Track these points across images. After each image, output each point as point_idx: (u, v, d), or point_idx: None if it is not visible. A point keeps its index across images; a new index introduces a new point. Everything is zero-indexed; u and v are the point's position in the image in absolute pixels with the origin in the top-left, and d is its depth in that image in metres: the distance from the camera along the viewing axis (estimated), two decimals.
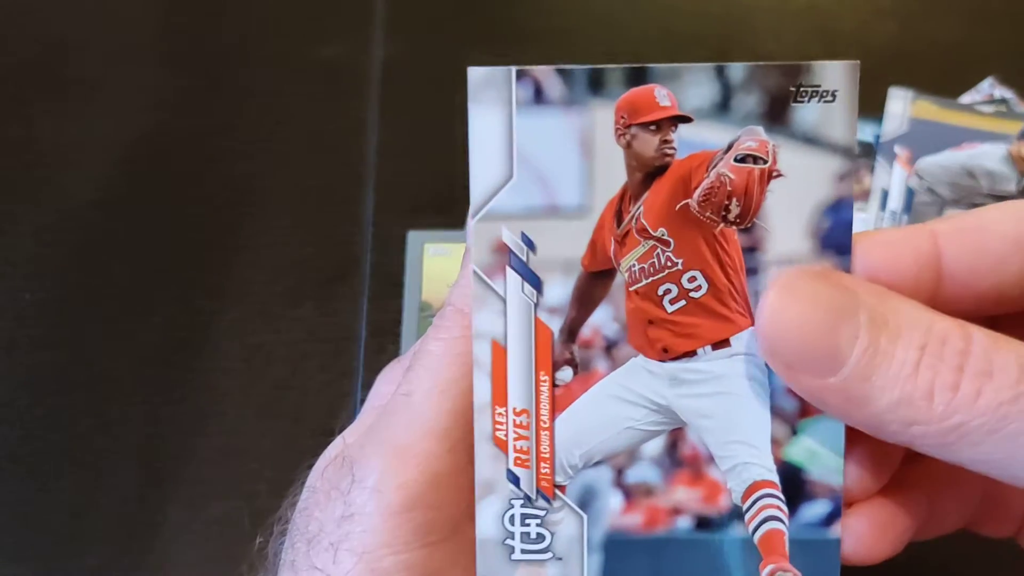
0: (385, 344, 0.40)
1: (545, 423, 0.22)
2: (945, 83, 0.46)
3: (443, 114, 0.47)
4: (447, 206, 0.43)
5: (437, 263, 0.42)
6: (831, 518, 0.22)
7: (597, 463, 0.23)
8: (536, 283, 0.22)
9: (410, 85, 0.48)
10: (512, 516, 0.23)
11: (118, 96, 0.48)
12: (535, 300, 0.22)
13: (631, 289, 0.22)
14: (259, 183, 0.45)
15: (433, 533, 0.23)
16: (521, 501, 0.23)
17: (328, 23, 0.50)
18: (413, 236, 0.42)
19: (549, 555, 0.23)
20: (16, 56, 0.50)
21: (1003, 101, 0.45)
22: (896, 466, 0.23)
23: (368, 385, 0.34)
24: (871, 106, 0.44)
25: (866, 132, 0.44)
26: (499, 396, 0.22)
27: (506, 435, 0.22)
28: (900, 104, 0.44)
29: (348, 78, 0.48)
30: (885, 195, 0.42)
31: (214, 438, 0.38)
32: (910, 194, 0.42)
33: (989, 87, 0.46)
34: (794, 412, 0.22)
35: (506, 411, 0.22)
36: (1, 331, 0.41)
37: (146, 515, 0.37)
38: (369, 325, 0.41)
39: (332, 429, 0.27)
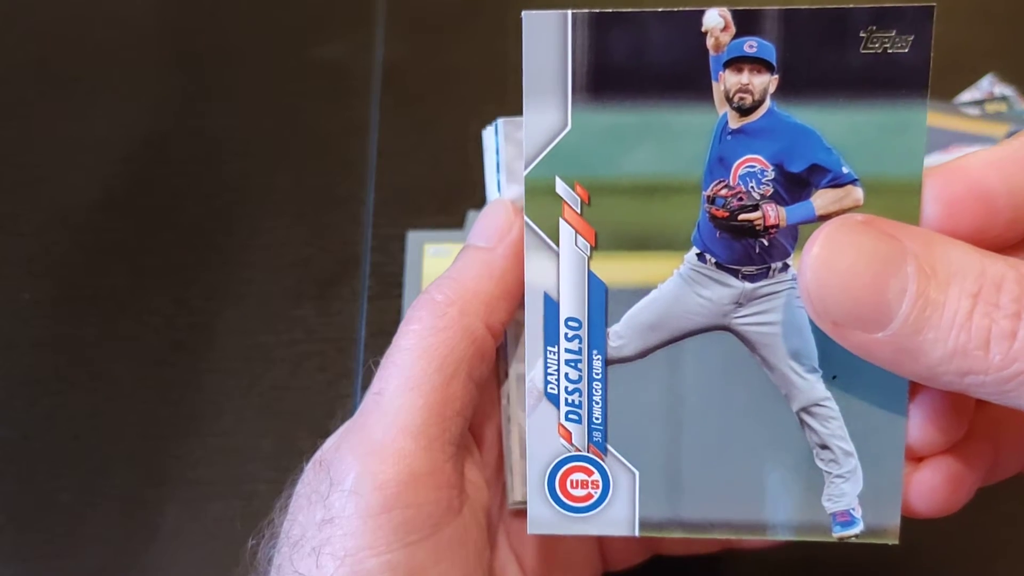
0: (385, 344, 0.40)
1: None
2: (945, 85, 0.46)
3: (443, 114, 0.47)
4: (447, 206, 0.43)
5: (437, 263, 0.42)
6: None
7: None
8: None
9: (410, 85, 0.48)
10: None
11: (118, 96, 0.48)
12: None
13: None
14: (259, 183, 0.45)
15: (414, 532, 0.23)
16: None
17: (328, 23, 0.50)
18: (413, 236, 0.42)
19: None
20: (16, 56, 0.50)
21: (1003, 98, 0.45)
22: (968, 422, 0.22)
23: (368, 386, 0.34)
24: None
25: None
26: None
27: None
28: None
29: (348, 78, 0.48)
30: None
31: (214, 438, 0.38)
32: None
33: (989, 84, 0.46)
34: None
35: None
36: (1, 331, 0.41)
37: (146, 515, 0.37)
38: (369, 325, 0.41)
39: (331, 430, 0.26)
